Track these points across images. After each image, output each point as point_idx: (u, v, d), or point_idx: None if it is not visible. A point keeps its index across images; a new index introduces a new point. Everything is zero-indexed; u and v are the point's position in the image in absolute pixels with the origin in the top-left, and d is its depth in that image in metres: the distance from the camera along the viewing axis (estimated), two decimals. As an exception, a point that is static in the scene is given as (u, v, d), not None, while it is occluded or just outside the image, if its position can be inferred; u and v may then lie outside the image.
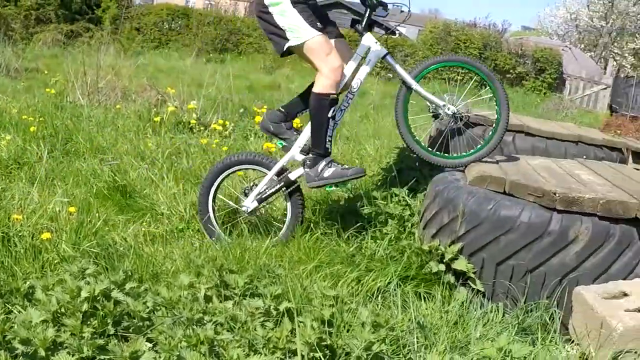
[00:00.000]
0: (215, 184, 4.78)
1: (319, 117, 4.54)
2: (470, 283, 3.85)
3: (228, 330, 2.99)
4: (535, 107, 20.44)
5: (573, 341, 3.55)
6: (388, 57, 4.91)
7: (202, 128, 8.08)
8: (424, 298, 3.79)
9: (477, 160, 4.68)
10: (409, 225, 4.64)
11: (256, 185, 4.76)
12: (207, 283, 3.36)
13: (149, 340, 2.87)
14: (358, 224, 4.63)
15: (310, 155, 4.64)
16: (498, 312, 3.74)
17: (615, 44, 38.64)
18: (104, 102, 9.58)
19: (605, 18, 37.44)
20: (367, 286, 3.81)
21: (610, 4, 37.11)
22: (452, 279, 3.87)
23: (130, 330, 2.95)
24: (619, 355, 3.20)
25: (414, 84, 4.75)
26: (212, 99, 9.87)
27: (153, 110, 8.62)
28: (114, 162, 5.96)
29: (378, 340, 2.96)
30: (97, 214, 4.68)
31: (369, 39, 4.91)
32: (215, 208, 4.82)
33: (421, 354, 3.12)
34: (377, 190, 5.05)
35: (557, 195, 3.75)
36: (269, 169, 4.69)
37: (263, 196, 4.71)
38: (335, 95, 4.52)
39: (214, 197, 4.80)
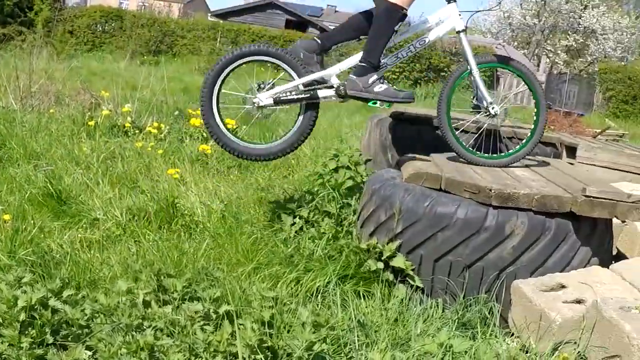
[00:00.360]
0: (229, 68, 4.64)
1: (384, 27, 4.52)
2: (409, 280, 3.86)
3: (168, 336, 2.96)
4: (470, 103, 20.63)
5: (513, 334, 3.58)
6: (462, 34, 4.87)
7: (136, 131, 7.99)
8: (364, 296, 3.80)
9: (516, 161, 4.80)
10: (347, 224, 4.65)
11: (274, 85, 4.69)
12: (145, 288, 3.31)
13: (88, 348, 2.83)
14: (295, 224, 4.63)
15: (361, 64, 4.59)
16: (438, 307, 3.76)
17: (548, 41, 39.18)
18: (37, 107, 9.41)
19: (537, 16, 37.94)
20: (306, 286, 3.80)
21: (543, 2, 37.63)
22: (390, 277, 3.88)
23: (69, 339, 2.90)
24: (559, 346, 3.24)
25: (476, 70, 4.76)
26: (147, 102, 9.76)
27: (87, 114, 8.49)
28: (49, 168, 5.86)
29: (319, 340, 2.95)
30: (32, 221, 4.60)
31: (453, 9, 4.84)
32: (220, 95, 4.72)
33: (362, 352, 3.12)
34: (314, 190, 5.05)
35: (492, 191, 3.79)
36: (300, 75, 4.60)
37: (281, 98, 4.61)
38: (406, 11, 4.51)
39: (223, 82, 4.69)
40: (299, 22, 49.66)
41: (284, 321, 3.20)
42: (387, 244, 3.93)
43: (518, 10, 38.89)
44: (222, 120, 4.65)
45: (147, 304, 3.23)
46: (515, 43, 37.80)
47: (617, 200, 3.84)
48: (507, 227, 3.75)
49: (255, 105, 4.63)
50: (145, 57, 26.43)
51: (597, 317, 3.15)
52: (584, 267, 3.89)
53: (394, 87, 4.60)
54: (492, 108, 4.75)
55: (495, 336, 3.55)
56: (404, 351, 3.15)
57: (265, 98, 4.61)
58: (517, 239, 3.75)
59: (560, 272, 3.79)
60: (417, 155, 4.77)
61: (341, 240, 4.28)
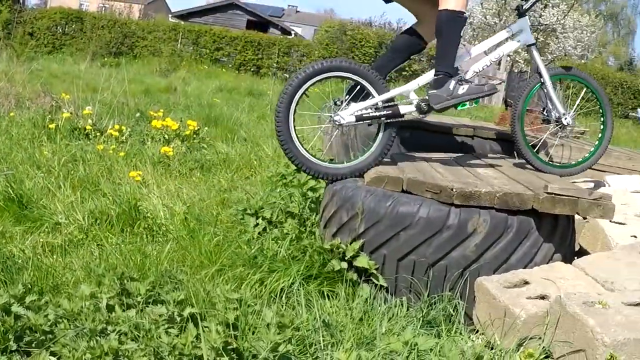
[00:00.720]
0: (307, 84, 4.45)
1: (451, 34, 4.52)
2: (373, 279, 3.86)
3: (132, 340, 2.93)
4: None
5: (478, 331, 3.60)
6: (533, 47, 4.95)
7: (98, 134, 7.93)
8: (328, 296, 3.79)
9: (584, 170, 5.03)
10: (310, 224, 4.65)
11: (350, 102, 4.54)
12: (109, 292, 3.28)
13: (52, 354, 2.80)
14: (258, 225, 4.62)
15: (437, 77, 4.56)
16: (402, 306, 3.76)
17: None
18: (-3, 110, 9.36)
19: (498, 15, 38.14)
20: (270, 287, 3.79)
21: (504, 1, 37.83)
22: (354, 276, 3.88)
23: (33, 345, 2.86)
24: (524, 342, 3.26)
25: (549, 82, 4.84)
26: (108, 104, 9.72)
27: (48, 117, 8.43)
28: (9, 172, 5.80)
29: (284, 341, 2.95)
30: (-7, 226, 4.57)
31: (525, 23, 4.93)
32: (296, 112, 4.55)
33: (328, 352, 3.12)
34: (277, 191, 5.05)
35: (454, 190, 3.80)
36: (380, 92, 4.50)
37: (363, 115, 4.49)
38: (466, 15, 4.55)
39: (299, 101, 4.51)
40: (260, 23, 49.62)
41: (249, 323, 3.19)
42: (350, 244, 3.93)
43: (479, 9, 39.09)
44: (300, 142, 4.48)
45: (110, 308, 3.20)
46: (476, 42, 38.02)
47: (578, 197, 3.88)
48: (470, 225, 3.77)
49: (337, 123, 4.50)
50: (105, 58, 26.30)
51: (560, 312, 3.17)
52: (547, 263, 3.92)
53: (473, 81, 4.61)
54: (565, 119, 4.88)
55: (460, 333, 3.56)
56: (370, 350, 3.15)
57: (347, 116, 4.48)
58: (480, 236, 3.77)
59: (524, 268, 3.81)
60: None
61: (304, 240, 4.27)
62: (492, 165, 4.79)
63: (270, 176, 6.13)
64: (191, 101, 13.07)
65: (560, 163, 5.13)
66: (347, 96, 4.52)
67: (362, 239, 3.93)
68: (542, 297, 3.45)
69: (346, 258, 3.88)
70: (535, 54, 4.95)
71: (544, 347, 3.19)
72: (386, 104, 4.49)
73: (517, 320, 3.28)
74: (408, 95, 4.62)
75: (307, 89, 4.43)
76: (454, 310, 3.70)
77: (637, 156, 6.34)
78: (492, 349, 3.31)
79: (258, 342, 2.95)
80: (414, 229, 3.79)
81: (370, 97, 4.49)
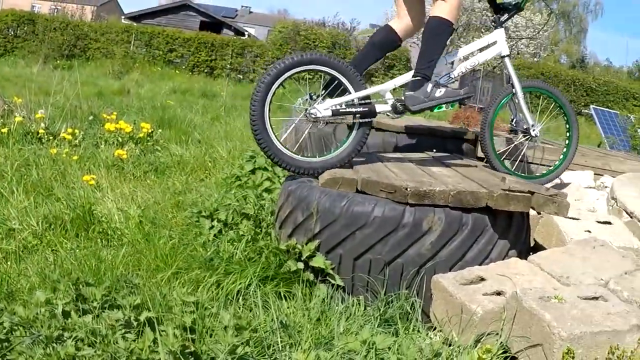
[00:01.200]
0: (284, 77, 4.41)
1: (437, 40, 4.61)
2: (330, 279, 3.86)
3: (89, 345, 2.91)
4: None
5: (435, 328, 3.61)
6: (507, 58, 5.08)
7: (51, 138, 7.85)
8: (285, 297, 3.78)
9: (550, 181, 5.15)
10: (265, 225, 4.63)
11: (327, 97, 4.53)
12: (64, 298, 3.25)
13: (8, 362, 2.78)
14: (214, 227, 4.60)
15: (415, 78, 4.60)
16: (359, 305, 3.77)
17: (462, 39, 39.66)
18: (-53, 115, 9.22)
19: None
20: (227, 289, 3.77)
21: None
22: (311, 277, 3.88)
23: (-12, 354, 2.84)
24: (481, 338, 3.28)
25: (521, 93, 4.99)
26: (61, 107, 9.63)
27: (0, 121, 8.33)
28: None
29: (242, 343, 2.94)
30: (-56, 233, 4.50)
31: (501, 34, 5.06)
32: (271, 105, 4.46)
33: (286, 353, 3.11)
34: (231, 192, 5.03)
35: (408, 190, 3.81)
36: (357, 89, 4.49)
37: (340, 110, 4.48)
38: (454, 27, 4.61)
39: (275, 92, 4.45)
40: (213, 24, 49.40)
41: (206, 325, 3.18)
42: (306, 244, 3.93)
43: (431, 8, 39.31)
44: (274, 133, 4.44)
45: (66, 314, 3.17)
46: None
47: (532, 193, 3.91)
48: (425, 224, 3.78)
49: (313, 116, 4.49)
50: (58, 61, 26.01)
51: (517, 307, 3.19)
52: (503, 259, 3.95)
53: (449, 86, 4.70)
54: (533, 130, 5.03)
55: (418, 331, 3.57)
56: (328, 350, 3.14)
57: (323, 109, 4.47)
58: (435, 234, 3.79)
59: (479, 265, 3.84)
60: None
61: (260, 242, 4.26)
62: (446, 164, 4.82)
63: (224, 178, 6.12)
64: (144, 103, 13.00)
65: (525, 174, 5.23)
66: (323, 91, 4.53)
67: (317, 239, 3.92)
68: (498, 293, 3.47)
69: (302, 258, 3.88)
70: (509, 64, 5.08)
71: (501, 342, 3.21)
72: (362, 102, 4.51)
73: (474, 316, 3.29)
74: (384, 94, 4.67)
75: (284, 80, 4.41)
76: (411, 308, 3.71)
77: (590, 152, 6.42)
78: (449, 345, 3.32)
79: (216, 344, 2.94)
80: (370, 228, 3.80)
81: (347, 93, 4.50)
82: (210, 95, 17.67)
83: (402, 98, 4.61)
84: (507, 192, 3.86)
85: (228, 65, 29.47)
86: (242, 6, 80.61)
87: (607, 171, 6.13)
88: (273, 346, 3.15)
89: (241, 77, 28.43)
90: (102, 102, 12.67)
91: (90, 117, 9.59)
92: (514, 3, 5.15)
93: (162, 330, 2.93)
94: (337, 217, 3.86)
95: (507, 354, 3.20)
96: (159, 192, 5.91)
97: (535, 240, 4.67)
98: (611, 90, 34.05)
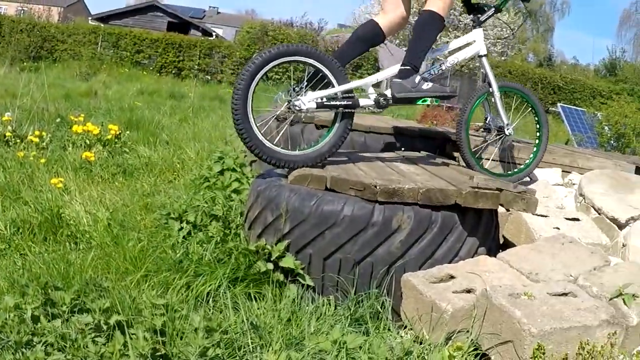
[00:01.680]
0: (267, 67, 4.30)
1: (428, 33, 4.70)
2: (300, 279, 3.85)
3: (59, 350, 2.89)
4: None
5: (406, 326, 3.62)
6: (484, 58, 5.23)
7: (18, 141, 7.77)
8: (255, 298, 3.77)
9: (520, 179, 5.28)
10: (234, 226, 4.62)
11: (310, 89, 4.49)
12: (33, 303, 3.21)
13: (-24, 368, 2.75)
14: (183, 229, 4.58)
15: (404, 67, 4.65)
16: (330, 305, 3.77)
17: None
18: None
19: (418, 14, 38.53)
20: (197, 291, 3.75)
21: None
22: (281, 277, 3.86)
23: (-43, 360, 2.81)
24: (452, 336, 3.29)
25: (498, 93, 5.14)
26: (28, 110, 9.54)
27: (-34, 125, 8.26)
28: None
29: (213, 345, 2.94)
30: None
31: (479, 34, 5.21)
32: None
33: (257, 354, 3.11)
34: (200, 194, 5.01)
35: (377, 187, 3.82)
36: (340, 82, 4.47)
37: (324, 103, 4.45)
38: (445, 23, 4.70)
39: (258, 83, 4.33)
40: (181, 25, 49.23)
41: (177, 328, 3.17)
42: (276, 244, 3.92)
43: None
44: (257, 125, 4.35)
45: (35, 319, 3.14)
46: (397, 41, 38.22)
47: (501, 190, 3.93)
48: (394, 222, 3.79)
49: (297, 108, 4.45)
50: (25, 63, 25.75)
51: (487, 305, 3.21)
52: (472, 257, 3.96)
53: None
54: (507, 129, 5.20)
55: (389, 330, 3.58)
56: (299, 350, 3.14)
57: (307, 101, 4.43)
58: (405, 233, 3.79)
59: (449, 263, 3.85)
60: None
61: (230, 243, 4.24)
62: (415, 162, 4.83)
63: (193, 179, 6.10)
64: (112, 105, 12.93)
65: (498, 172, 5.38)
66: (306, 83, 4.49)
67: (287, 239, 3.91)
68: (468, 291, 3.49)
69: (272, 259, 3.87)
70: (486, 64, 5.20)
71: (472, 340, 3.23)
72: (345, 95, 4.50)
73: (445, 314, 3.30)
74: (367, 89, 4.70)
75: (268, 70, 4.33)
76: (381, 307, 3.71)
77: (557, 150, 6.46)
78: (420, 343, 3.33)
79: (186, 347, 2.94)
80: (339, 228, 3.80)
81: (330, 86, 4.48)
82: (178, 97, 17.60)
83: (385, 93, 4.65)
84: (475, 189, 3.88)
85: (196, 66, 29.38)
86: (210, 6, 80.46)
87: (575, 168, 6.18)
88: (244, 347, 3.14)
89: (209, 77, 28.34)
90: (70, 104, 12.57)
91: (58, 120, 9.51)
92: (492, 4, 5.31)
93: (132, 334, 2.93)
94: (306, 216, 3.85)
95: (478, 351, 3.22)
96: (127, 194, 5.88)
97: (504, 238, 4.69)
98: (578, 88, 34.32)
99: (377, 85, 4.80)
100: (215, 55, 29.34)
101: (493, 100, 5.10)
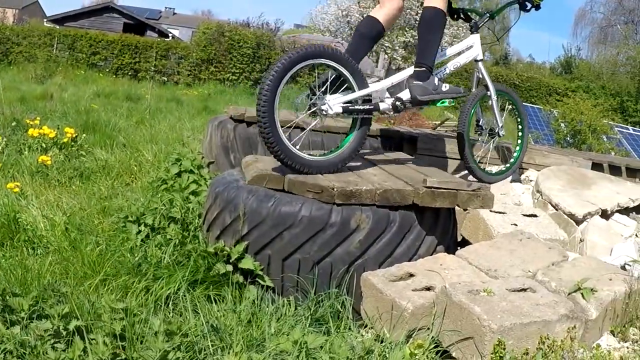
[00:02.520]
0: (293, 70, 4.17)
1: (436, 31, 4.71)
2: (259, 280, 3.85)
3: (18, 357, 2.86)
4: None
5: (367, 325, 3.63)
6: (481, 62, 5.52)
7: (-28, 145, 7.70)
8: (215, 300, 3.76)
9: (512, 174, 5.70)
10: (193, 228, 4.60)
11: (334, 91, 4.44)
12: (-10, 309, 3.20)
13: None
14: (141, 232, 4.55)
15: (420, 69, 4.68)
16: (290, 306, 3.76)
17: (386, 37, 39.85)
18: None
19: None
20: (156, 295, 3.73)
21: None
22: (240, 279, 3.86)
23: None
24: (413, 333, 3.30)
25: (495, 96, 5.45)
26: (-18, 114, 9.45)
27: None
28: None
29: (173, 349, 2.93)
30: None
31: (477, 39, 5.48)
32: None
33: (218, 357, 3.10)
34: (158, 196, 4.98)
35: (335, 190, 3.83)
36: (361, 87, 4.46)
37: (349, 107, 4.41)
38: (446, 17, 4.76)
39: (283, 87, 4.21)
40: (137, 26, 48.96)
41: (136, 332, 3.14)
42: (234, 246, 3.91)
43: (356, 8, 39.37)
44: (282, 131, 4.21)
45: (-7, 327, 3.11)
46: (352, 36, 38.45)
47: (457, 190, 3.95)
48: (353, 222, 3.80)
49: (324, 112, 4.38)
50: (-21, 66, 25.51)
51: (447, 302, 3.22)
52: (431, 255, 3.98)
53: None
54: (501, 130, 5.56)
55: (349, 329, 3.59)
56: (260, 352, 3.14)
57: (334, 105, 4.37)
58: (363, 232, 3.80)
59: (408, 261, 3.87)
60: (259, 156, 4.79)
61: (188, 245, 4.22)
62: (372, 162, 4.83)
63: (151, 182, 6.06)
64: (68, 108, 12.78)
65: (492, 171, 5.68)
66: (322, 87, 4.42)
67: (246, 241, 3.91)
68: (428, 289, 3.51)
69: (231, 260, 3.86)
70: (483, 68, 5.47)
71: (432, 337, 3.24)
72: (365, 99, 4.51)
73: (405, 312, 3.32)
74: (383, 93, 4.73)
75: (296, 72, 4.25)
76: (341, 307, 3.71)
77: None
78: (381, 342, 3.34)
79: (147, 351, 2.92)
80: (297, 228, 3.80)
81: (351, 90, 4.46)
82: (135, 98, 17.45)
83: (400, 96, 4.68)
84: (432, 189, 3.90)
85: (152, 68, 29.16)
86: (166, 7, 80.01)
87: (532, 165, 6.24)
88: (204, 350, 3.13)
89: (165, 79, 28.15)
90: (25, 108, 12.42)
91: (13, 123, 9.40)
92: (486, 12, 5.62)
93: (92, 339, 2.91)
94: (264, 217, 3.85)
95: (439, 348, 3.23)
96: (84, 198, 5.83)
97: (462, 235, 4.72)
98: (534, 86, 34.58)
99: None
100: (171, 56, 29.15)
101: (490, 103, 5.30)
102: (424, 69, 4.65)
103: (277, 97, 4.13)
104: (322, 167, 4.29)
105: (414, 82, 4.63)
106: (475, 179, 5.34)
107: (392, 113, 4.72)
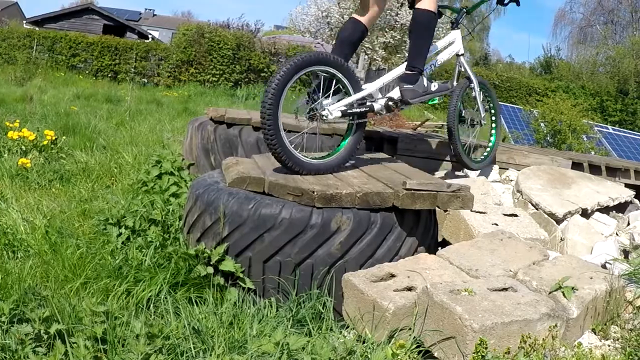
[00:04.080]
0: (296, 76, 4.26)
1: (427, 32, 4.75)
2: (240, 282, 3.85)
3: (-2, 361, 2.85)
4: (291, 103, 20.73)
5: (348, 326, 3.63)
6: (462, 57, 5.62)
7: (-49, 149, 7.66)
8: (196, 302, 3.75)
9: (489, 164, 5.92)
10: (174, 230, 4.59)
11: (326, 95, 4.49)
12: (-30, 314, 3.18)
13: None
14: (122, 235, 4.54)
15: (411, 72, 4.75)
16: (272, 307, 3.76)
17: (367, 38, 39.89)
18: None
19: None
20: (137, 297, 3.72)
21: (360, 1, 38.27)
22: (222, 281, 3.85)
23: None
24: (394, 334, 3.30)
25: (478, 88, 5.61)
26: (-40, 117, 9.40)
27: None
28: None
29: (155, 351, 2.92)
30: None
31: (458, 34, 5.60)
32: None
33: (200, 359, 3.09)
34: (138, 198, 4.97)
35: (315, 193, 3.83)
36: (356, 90, 4.55)
37: (348, 111, 4.50)
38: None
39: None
40: (117, 27, 48.75)
41: (118, 335, 3.13)
42: (215, 248, 3.90)
43: (336, 9, 39.34)
44: (285, 136, 4.33)
45: (-28, 331, 3.10)
46: (334, 42, 38.44)
47: (437, 191, 3.96)
48: (333, 224, 3.80)
49: (324, 117, 4.47)
50: (-43, 69, 25.35)
51: (428, 302, 3.23)
52: (412, 255, 3.99)
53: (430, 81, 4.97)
54: (483, 119, 5.73)
55: (331, 330, 3.59)
56: (242, 354, 3.14)
57: (334, 110, 4.48)
58: (344, 234, 3.80)
59: (389, 262, 3.87)
60: (240, 158, 4.78)
61: (169, 247, 4.21)
62: (352, 164, 4.83)
63: (131, 184, 6.05)
64: (48, 110, 12.73)
65: (477, 159, 5.96)
66: (318, 92, 4.49)
67: (226, 243, 3.90)
68: (409, 289, 3.51)
69: (212, 263, 3.85)
70: (464, 62, 5.60)
71: (414, 337, 3.25)
72: (360, 102, 4.58)
73: (386, 313, 3.32)
74: (375, 94, 4.79)
75: (294, 82, 4.29)
76: (323, 308, 3.72)
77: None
78: (363, 342, 3.34)
79: (128, 354, 2.91)
80: (278, 230, 3.79)
81: (347, 95, 4.55)
82: (115, 100, 17.40)
83: (392, 96, 4.77)
84: (412, 191, 3.91)
85: (132, 69, 29.09)
86: (146, 9, 79.88)
87: (512, 165, 6.27)
88: (186, 352, 3.12)
89: (146, 81, 28.09)
90: (5, 110, 12.36)
91: (-8, 126, 9.37)
92: (463, 8, 5.76)
93: (73, 343, 2.89)
94: (245, 219, 3.85)
95: (421, 348, 3.24)
96: (64, 200, 5.81)
97: (443, 236, 4.73)
98: (514, 86, 34.74)
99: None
100: (151, 58, 29.07)
101: (473, 95, 5.41)
102: (415, 72, 4.74)
103: (281, 104, 4.22)
104: (320, 169, 4.38)
105: (405, 85, 4.70)
106: (465, 167, 5.48)
107: (384, 112, 4.77)
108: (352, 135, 4.57)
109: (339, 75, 4.47)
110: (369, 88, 4.73)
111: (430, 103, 4.92)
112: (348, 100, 4.53)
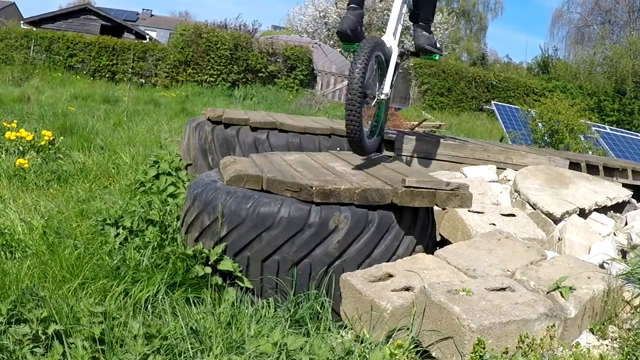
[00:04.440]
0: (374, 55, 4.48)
1: None
2: (238, 282, 3.85)
3: (-4, 362, 2.85)
4: (288, 103, 20.77)
5: (346, 326, 3.63)
6: None
7: (-52, 149, 7.64)
8: (194, 303, 3.75)
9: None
10: (171, 231, 4.59)
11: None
12: (-33, 315, 3.17)
13: None
14: (119, 235, 4.54)
15: (426, 23, 5.12)
16: (270, 307, 3.76)
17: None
18: None
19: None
20: (135, 298, 3.72)
21: None
22: (219, 281, 3.85)
23: None
24: (392, 334, 3.30)
25: None
26: (-42, 117, 9.39)
27: None
28: None
29: (153, 352, 2.92)
30: None
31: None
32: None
33: (198, 359, 3.09)
34: (136, 199, 4.96)
35: (313, 189, 3.83)
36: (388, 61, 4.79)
37: (392, 83, 4.71)
38: None
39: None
40: (114, 28, 48.73)
41: (116, 335, 3.13)
42: (213, 248, 3.90)
43: (333, 9, 39.41)
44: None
45: (-30, 331, 3.09)
46: (332, 42, 38.34)
47: (435, 189, 3.96)
48: (331, 222, 3.80)
49: (383, 98, 4.73)
50: (-46, 68, 25.31)
51: (426, 302, 3.23)
52: (410, 255, 3.99)
53: None
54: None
55: (329, 330, 3.59)
56: (239, 354, 3.14)
57: (388, 89, 4.71)
58: (342, 233, 3.80)
59: (387, 262, 3.87)
60: (237, 157, 4.78)
61: (167, 247, 4.20)
62: (349, 162, 4.84)
63: (129, 184, 6.04)
64: (46, 110, 12.71)
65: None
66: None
67: (224, 242, 3.90)
68: (407, 289, 3.51)
69: (210, 262, 3.85)
70: None
71: (412, 337, 3.25)
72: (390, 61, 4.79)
73: (384, 313, 3.32)
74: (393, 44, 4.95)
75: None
76: (321, 308, 3.72)
77: (492, 147, 6.54)
78: (361, 343, 3.34)
79: (126, 354, 2.91)
80: (276, 229, 3.79)
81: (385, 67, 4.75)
82: (112, 101, 17.36)
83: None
84: (411, 188, 3.90)
85: (130, 70, 29.02)
86: (144, 9, 79.83)
87: (510, 165, 6.27)
88: (184, 353, 3.12)
89: (143, 81, 28.04)
90: (2, 110, 12.35)
91: (-11, 127, 9.36)
92: None
93: (71, 343, 2.90)
94: (243, 219, 3.85)
95: (419, 348, 3.24)
96: (62, 201, 5.80)
97: (441, 235, 4.73)
98: (512, 86, 34.70)
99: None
100: (149, 58, 29.01)
101: None
102: (429, 24, 5.06)
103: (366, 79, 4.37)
104: (373, 147, 4.76)
105: (423, 32, 4.88)
106: None
107: (399, 61, 4.99)
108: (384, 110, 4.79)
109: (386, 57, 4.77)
110: (388, 40, 4.89)
111: (430, 58, 5.20)
112: (390, 71, 4.76)
